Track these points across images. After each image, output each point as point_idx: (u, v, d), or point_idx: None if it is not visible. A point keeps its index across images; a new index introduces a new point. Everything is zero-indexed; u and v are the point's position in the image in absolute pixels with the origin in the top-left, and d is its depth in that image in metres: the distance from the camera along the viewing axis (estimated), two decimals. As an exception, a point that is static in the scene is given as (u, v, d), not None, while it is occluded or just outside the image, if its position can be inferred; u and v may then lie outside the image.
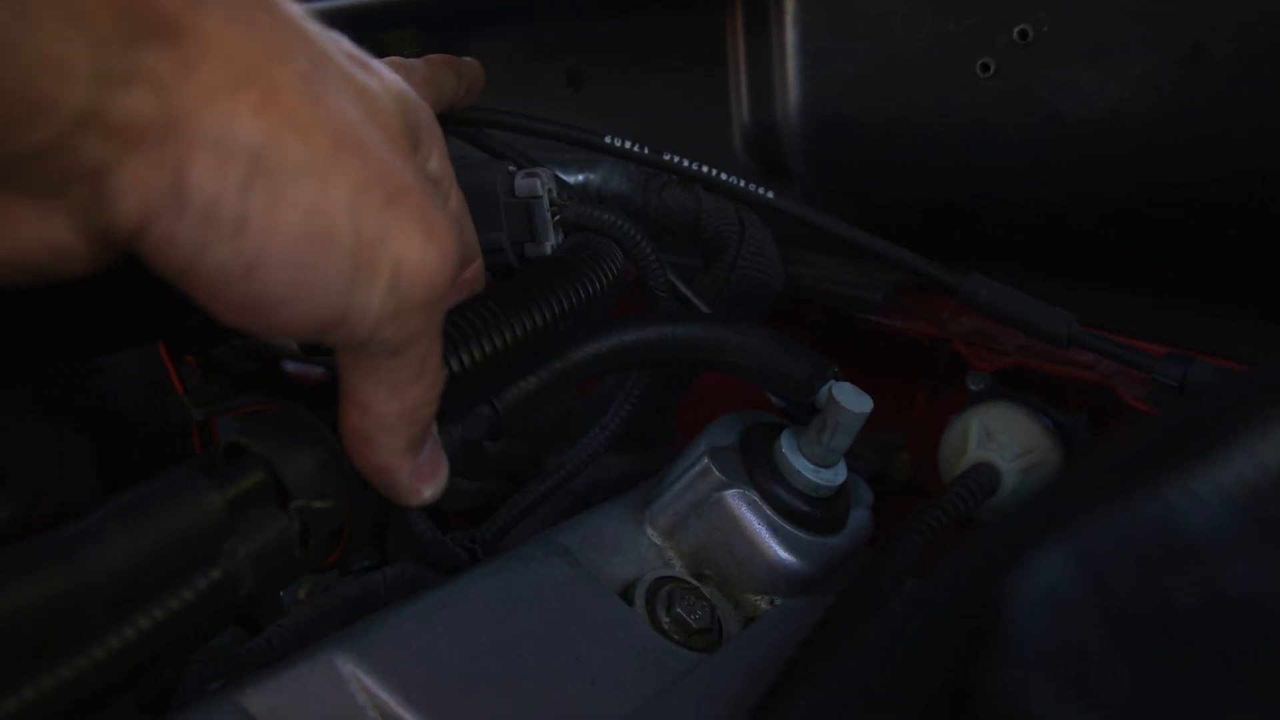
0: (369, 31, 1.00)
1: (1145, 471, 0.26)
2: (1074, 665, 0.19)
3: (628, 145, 0.69)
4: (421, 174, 0.41)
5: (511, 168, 0.59)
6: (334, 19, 0.93)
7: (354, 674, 0.45)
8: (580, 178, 0.77)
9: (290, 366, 0.63)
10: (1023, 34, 0.61)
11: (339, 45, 0.41)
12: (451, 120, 0.64)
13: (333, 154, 0.36)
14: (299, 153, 0.35)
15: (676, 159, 0.70)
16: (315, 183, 0.36)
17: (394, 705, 0.44)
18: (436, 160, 0.48)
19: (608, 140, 0.69)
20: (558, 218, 0.59)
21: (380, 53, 1.03)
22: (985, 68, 0.63)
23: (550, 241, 0.59)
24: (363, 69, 0.42)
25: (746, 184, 0.70)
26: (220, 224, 0.35)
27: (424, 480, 0.47)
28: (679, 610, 0.56)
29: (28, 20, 0.30)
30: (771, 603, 0.60)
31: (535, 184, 0.58)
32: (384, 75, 0.44)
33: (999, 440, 0.72)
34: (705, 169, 0.70)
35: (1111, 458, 0.27)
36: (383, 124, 0.40)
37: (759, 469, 0.60)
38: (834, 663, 0.29)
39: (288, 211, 0.36)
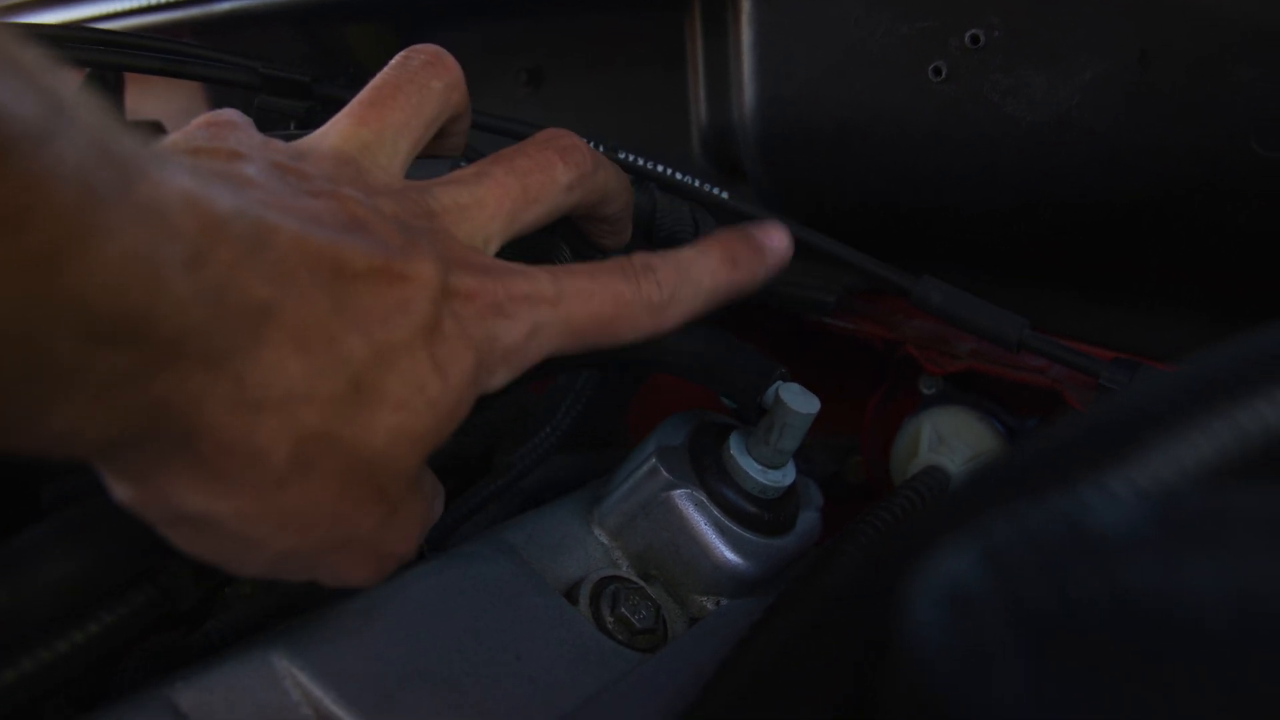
0: (332, 25, 1.00)
1: (1061, 469, 0.26)
2: (973, 663, 0.19)
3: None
4: (398, 502, 0.44)
5: (463, 163, 0.59)
6: (293, 16, 0.93)
7: (288, 669, 0.45)
8: (537, 176, 0.77)
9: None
10: (974, 39, 0.61)
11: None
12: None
13: (273, 534, 0.40)
14: (234, 529, 0.39)
15: (631, 158, 0.70)
16: (241, 549, 0.40)
17: (328, 702, 0.44)
18: (502, 377, 0.47)
19: (563, 138, 0.69)
20: None
21: (346, 51, 1.03)
22: (937, 72, 0.63)
23: None
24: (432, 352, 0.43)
25: (701, 184, 0.70)
26: (144, 514, 0.39)
27: None
28: (623, 610, 0.56)
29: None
30: (718, 603, 0.59)
31: None
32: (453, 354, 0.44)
33: (950, 444, 0.72)
34: (660, 168, 0.70)
35: (1029, 455, 0.27)
36: (379, 475, 0.42)
37: (707, 469, 0.60)
38: (757, 662, 0.29)
39: (200, 549, 0.40)
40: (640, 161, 0.70)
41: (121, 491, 0.38)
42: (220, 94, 1.17)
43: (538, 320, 0.47)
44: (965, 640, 0.20)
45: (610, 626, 0.56)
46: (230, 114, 0.49)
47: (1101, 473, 0.24)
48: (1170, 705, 0.19)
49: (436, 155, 0.58)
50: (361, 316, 0.40)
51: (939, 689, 0.20)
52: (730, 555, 0.59)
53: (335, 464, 0.39)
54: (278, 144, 0.47)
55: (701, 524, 0.59)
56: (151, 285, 0.31)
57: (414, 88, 0.51)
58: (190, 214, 0.33)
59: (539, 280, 0.47)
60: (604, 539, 0.61)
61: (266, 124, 0.78)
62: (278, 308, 0.37)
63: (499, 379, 0.46)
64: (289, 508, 0.39)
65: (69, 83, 0.30)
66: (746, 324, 0.83)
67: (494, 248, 0.50)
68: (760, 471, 0.60)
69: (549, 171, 0.52)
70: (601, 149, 0.69)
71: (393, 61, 0.52)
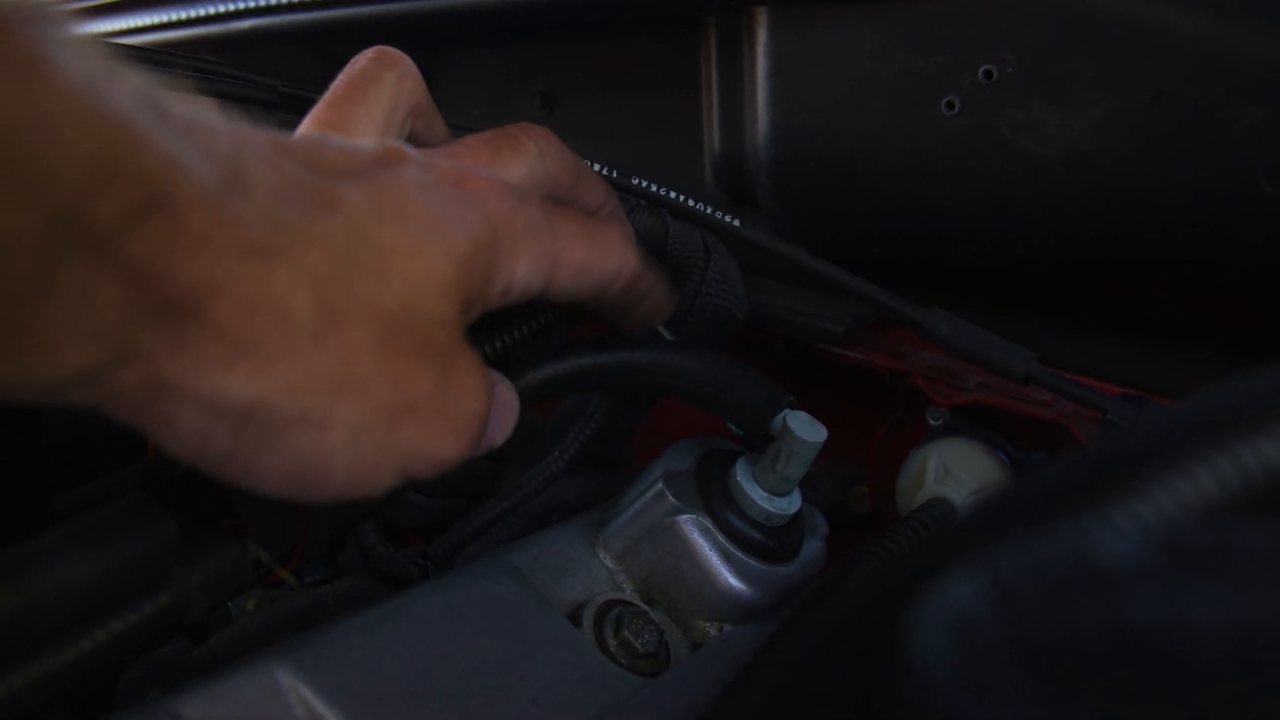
0: (348, 46, 1.00)
1: (1066, 501, 0.26)
2: (977, 690, 0.20)
3: (596, 168, 0.70)
4: (451, 358, 0.42)
5: None
6: (309, 36, 0.94)
7: (293, 685, 0.45)
8: (550, 199, 0.77)
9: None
10: (988, 74, 0.61)
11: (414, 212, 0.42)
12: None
13: (331, 403, 0.38)
14: (291, 408, 0.37)
15: (645, 184, 0.70)
16: (309, 431, 0.38)
17: (331, 717, 0.44)
18: (526, 265, 0.46)
19: (577, 163, 0.70)
20: None
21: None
22: (950, 105, 0.63)
23: None
24: (437, 207, 0.42)
25: (713, 211, 0.70)
26: (211, 452, 0.37)
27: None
28: (626, 634, 0.56)
29: (35, 309, 0.30)
30: (720, 629, 0.60)
31: None
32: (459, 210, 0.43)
33: (956, 476, 0.72)
34: (673, 195, 0.70)
35: (1035, 487, 0.27)
36: (415, 325, 0.40)
37: (713, 495, 0.60)
38: (761, 687, 0.29)
39: (276, 456, 0.38)
40: (652, 187, 0.70)
41: (170, 434, 0.36)
42: (238, 110, 1.18)
43: (530, 219, 0.47)
44: (969, 668, 0.20)
45: (613, 650, 0.56)
46: None
47: (1107, 505, 0.25)
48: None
49: None
50: (336, 172, 0.41)
51: (943, 716, 0.20)
52: (734, 581, 0.59)
53: (362, 311, 0.38)
54: None
55: (706, 549, 0.59)
56: (120, 115, 0.31)
57: (366, 81, 0.53)
58: (131, 78, 0.34)
59: (528, 197, 0.48)
60: (609, 562, 0.62)
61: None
62: (243, 164, 0.36)
63: (521, 273, 0.46)
64: (334, 366, 0.38)
65: None
66: (755, 351, 0.83)
67: None
68: (766, 499, 0.60)
69: (514, 139, 0.53)
70: (614, 174, 0.70)
71: (344, 68, 0.54)
